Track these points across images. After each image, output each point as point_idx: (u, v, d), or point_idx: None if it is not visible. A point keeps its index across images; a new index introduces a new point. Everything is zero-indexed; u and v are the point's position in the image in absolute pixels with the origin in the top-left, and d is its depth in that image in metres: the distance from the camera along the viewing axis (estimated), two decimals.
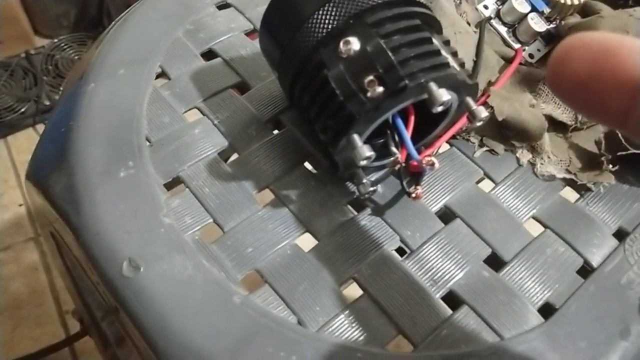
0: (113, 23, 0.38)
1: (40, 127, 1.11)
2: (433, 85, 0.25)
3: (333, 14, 0.26)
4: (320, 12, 0.26)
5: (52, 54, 1.18)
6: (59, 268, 0.46)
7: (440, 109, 0.25)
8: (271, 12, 0.29)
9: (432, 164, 0.27)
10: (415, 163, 0.27)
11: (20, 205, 1.00)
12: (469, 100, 0.27)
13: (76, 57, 1.18)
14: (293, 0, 0.28)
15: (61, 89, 1.13)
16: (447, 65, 0.26)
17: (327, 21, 0.26)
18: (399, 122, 0.27)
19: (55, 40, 1.21)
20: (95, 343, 0.65)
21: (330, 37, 0.26)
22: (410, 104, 0.27)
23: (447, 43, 0.28)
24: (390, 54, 0.24)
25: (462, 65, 0.28)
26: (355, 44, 0.25)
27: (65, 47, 1.20)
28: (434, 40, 0.27)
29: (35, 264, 0.92)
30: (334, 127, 0.26)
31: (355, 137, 0.26)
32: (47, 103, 1.11)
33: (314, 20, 0.26)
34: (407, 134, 0.27)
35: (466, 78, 0.27)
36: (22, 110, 1.10)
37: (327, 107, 0.26)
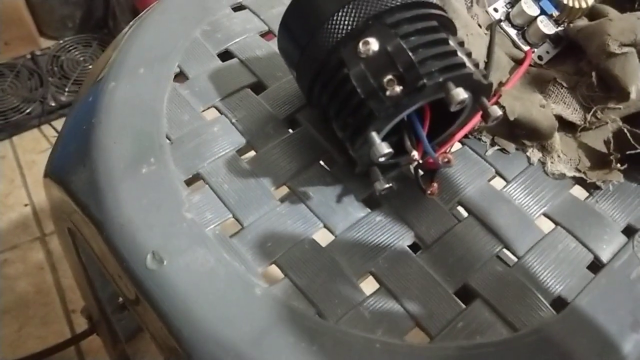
0: (131, 24, 0.39)
1: (46, 128, 1.12)
2: (450, 85, 0.25)
3: (352, 15, 0.27)
4: (340, 14, 0.27)
5: (58, 55, 1.19)
6: (73, 264, 0.47)
7: (457, 107, 0.26)
8: (291, 14, 0.30)
9: (449, 161, 0.28)
10: (431, 160, 0.28)
11: (26, 205, 1.01)
12: (484, 99, 0.28)
13: (81, 59, 1.19)
14: (313, 1, 0.29)
15: (66, 89, 1.14)
16: (463, 65, 0.27)
17: (346, 22, 0.27)
18: (416, 120, 0.28)
19: (61, 42, 1.21)
20: (103, 341, 0.66)
21: (350, 38, 0.27)
22: (426, 104, 0.27)
23: (461, 44, 0.29)
24: (410, 53, 0.25)
25: (476, 65, 0.29)
26: (374, 44, 0.26)
27: (70, 48, 1.21)
28: (450, 42, 0.28)
29: (42, 263, 0.93)
30: (354, 125, 0.27)
31: (374, 134, 0.26)
32: (53, 104, 1.12)
33: (334, 22, 0.27)
34: (424, 132, 0.28)
35: (481, 78, 0.28)
36: (28, 110, 1.11)
37: (347, 104, 0.27)
